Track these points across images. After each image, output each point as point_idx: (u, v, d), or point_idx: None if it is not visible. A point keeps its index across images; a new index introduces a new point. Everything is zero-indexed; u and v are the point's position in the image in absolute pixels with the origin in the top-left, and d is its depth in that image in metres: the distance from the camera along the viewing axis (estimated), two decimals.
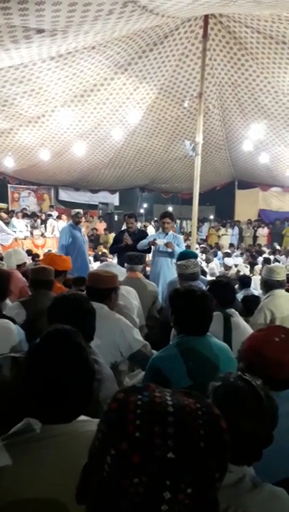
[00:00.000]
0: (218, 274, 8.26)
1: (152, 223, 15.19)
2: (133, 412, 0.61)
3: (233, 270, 8.89)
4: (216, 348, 1.99)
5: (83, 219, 8.93)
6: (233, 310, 2.69)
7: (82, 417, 1.11)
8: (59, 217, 13.60)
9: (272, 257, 10.11)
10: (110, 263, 3.98)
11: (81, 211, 7.01)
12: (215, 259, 10.44)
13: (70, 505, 0.91)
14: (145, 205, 21.69)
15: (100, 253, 11.04)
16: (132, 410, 0.61)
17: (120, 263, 5.15)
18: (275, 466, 1.39)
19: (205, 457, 0.59)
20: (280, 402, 1.35)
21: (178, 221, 17.31)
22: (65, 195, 16.41)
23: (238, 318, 2.64)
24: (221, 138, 11.20)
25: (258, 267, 8.94)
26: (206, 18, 6.46)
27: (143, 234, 6.21)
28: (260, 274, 5.18)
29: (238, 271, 8.68)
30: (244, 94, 8.91)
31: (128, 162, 12.47)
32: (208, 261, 9.97)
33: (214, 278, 6.30)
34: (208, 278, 6.78)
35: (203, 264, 9.41)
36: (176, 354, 1.92)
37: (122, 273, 3.83)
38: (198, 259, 9.43)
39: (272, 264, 4.65)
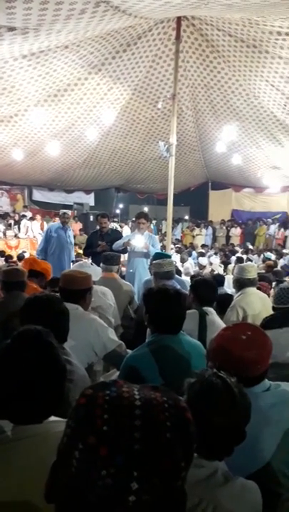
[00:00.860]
0: (192, 274, 8.34)
1: (128, 223, 15.21)
2: (101, 407, 0.62)
3: (208, 269, 9.01)
4: (188, 346, 2.01)
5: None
6: (210, 308, 2.73)
7: (54, 418, 1.11)
8: (33, 218, 13.42)
9: (244, 257, 10.30)
10: (84, 263, 3.96)
11: (68, 212, 6.97)
12: (190, 258, 10.55)
13: (42, 506, 0.91)
14: (121, 206, 21.66)
15: (75, 254, 10.95)
16: (99, 405, 0.62)
17: (95, 264, 5.14)
18: (245, 459, 1.42)
19: (171, 447, 0.61)
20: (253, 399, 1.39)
21: (154, 221, 17.39)
22: (39, 195, 16.20)
23: (213, 316, 2.68)
24: (195, 139, 11.33)
25: (231, 266, 9.09)
26: (179, 20, 6.52)
27: (117, 234, 6.22)
28: (233, 273, 5.28)
29: (213, 270, 8.80)
30: (216, 96, 9.04)
31: (103, 162, 12.43)
32: (183, 261, 10.07)
33: (189, 277, 6.38)
34: (183, 277, 6.85)
35: (178, 264, 9.49)
36: (148, 353, 1.94)
37: (96, 273, 3.82)
38: (173, 258, 9.51)
39: (243, 263, 4.74)
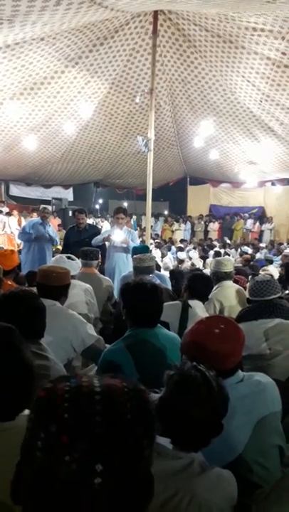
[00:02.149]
0: (171, 268, 8.40)
1: (108, 219, 15.15)
2: (61, 397, 0.64)
3: (186, 264, 9.08)
4: (164, 339, 2.04)
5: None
6: (198, 302, 2.76)
7: (27, 412, 1.12)
8: (10, 213, 13.19)
9: (222, 251, 10.43)
10: (60, 257, 3.92)
11: (49, 207, 6.91)
12: (169, 253, 10.62)
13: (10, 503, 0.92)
14: (100, 201, 21.55)
15: (53, 250, 10.84)
16: (60, 395, 0.64)
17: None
18: (220, 450, 1.45)
19: (132, 427, 0.63)
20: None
21: (134, 217, 17.39)
22: (16, 190, 15.94)
23: (197, 310, 2.70)
24: (173, 134, 11.35)
25: (209, 261, 9.19)
26: (156, 14, 6.50)
27: (95, 229, 6.20)
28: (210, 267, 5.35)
29: (193, 264, 8.88)
30: (194, 92, 9.08)
31: (81, 157, 12.32)
32: (162, 255, 10.13)
33: (168, 272, 6.42)
34: (162, 272, 6.89)
35: (158, 259, 9.54)
36: (123, 348, 1.96)
37: (74, 267, 3.81)
38: (153, 253, 9.55)
39: (220, 258, 4.81)
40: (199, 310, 2.75)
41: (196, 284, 2.80)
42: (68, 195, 17.03)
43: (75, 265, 3.80)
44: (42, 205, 6.95)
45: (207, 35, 7.19)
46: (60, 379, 0.69)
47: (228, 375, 1.53)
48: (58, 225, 14.67)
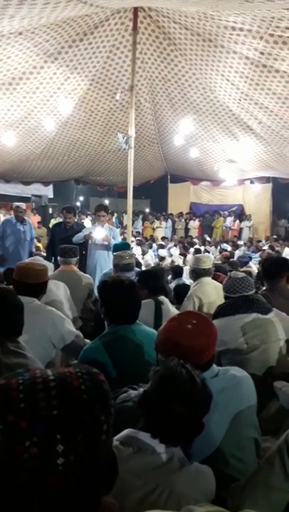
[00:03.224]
0: (152, 265, 8.44)
1: (89, 216, 15.08)
2: (16, 390, 0.66)
3: (167, 261, 9.14)
4: (142, 335, 2.05)
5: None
6: (164, 297, 2.79)
7: None
8: None
9: (202, 248, 10.52)
10: (36, 259, 3.92)
11: (22, 205, 6.74)
12: (150, 251, 10.67)
13: None
14: (81, 198, 21.42)
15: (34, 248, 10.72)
16: (14, 388, 0.66)
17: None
18: (199, 444, 1.46)
19: (89, 404, 0.67)
20: None
21: (115, 214, 17.34)
22: None
23: (168, 305, 2.75)
24: (153, 132, 11.36)
25: (189, 258, 9.27)
26: (136, 10, 6.48)
27: (82, 228, 6.16)
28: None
29: (173, 261, 8.94)
30: (174, 90, 9.09)
31: (61, 154, 12.18)
32: (143, 253, 10.16)
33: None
34: (143, 269, 6.90)
35: (139, 257, 9.56)
36: (100, 346, 1.97)
37: (48, 268, 3.80)
38: (134, 251, 9.57)
39: (199, 255, 4.87)
40: (170, 305, 2.78)
41: (149, 281, 2.82)
42: (48, 192, 16.87)
43: (49, 266, 3.80)
44: (15, 204, 6.74)
45: (187, 34, 7.21)
46: (13, 374, 0.70)
47: (202, 370, 1.54)
48: (38, 222, 14.54)
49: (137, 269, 4.30)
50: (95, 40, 7.78)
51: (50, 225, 13.66)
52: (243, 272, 4.62)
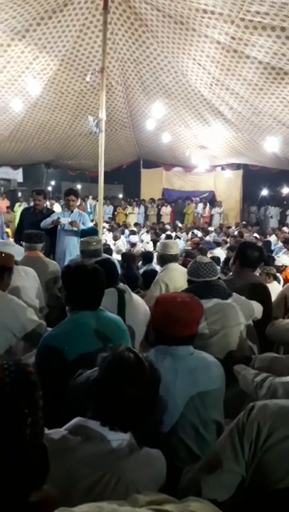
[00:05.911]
0: (124, 252, 8.42)
1: (60, 201, 14.83)
2: None
3: (139, 247, 9.14)
4: (106, 321, 2.04)
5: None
6: (125, 285, 2.78)
7: None
8: None
9: (173, 234, 10.57)
10: (7, 242, 3.81)
11: None
12: (122, 237, 10.62)
13: None
14: (52, 183, 21.00)
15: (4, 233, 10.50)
16: None
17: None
18: (163, 418, 1.59)
19: (12, 398, 0.67)
20: (176, 358, 1.67)
21: (88, 200, 17.11)
22: None
23: (130, 293, 2.74)
24: (125, 115, 11.19)
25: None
26: None
27: (52, 213, 6.03)
28: None
29: (144, 248, 8.95)
30: (146, 72, 8.95)
31: (30, 136, 11.84)
32: (115, 239, 10.11)
33: (120, 255, 6.43)
34: (114, 255, 6.89)
35: (111, 242, 9.52)
36: (63, 332, 1.95)
37: (19, 252, 3.71)
38: (106, 237, 9.50)
39: (166, 240, 4.88)
40: (132, 294, 2.78)
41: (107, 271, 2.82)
42: (18, 176, 16.47)
43: (19, 250, 3.71)
44: None
45: (158, 15, 7.07)
46: None
47: (187, 343, 1.74)
48: (7, 207, 14.18)
49: (105, 255, 4.27)
50: (64, 18, 7.52)
51: (16, 210, 13.39)
52: (211, 257, 4.68)
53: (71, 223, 5.32)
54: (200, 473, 1.27)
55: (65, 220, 5.32)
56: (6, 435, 0.62)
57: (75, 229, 5.38)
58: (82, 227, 5.38)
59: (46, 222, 5.35)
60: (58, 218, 5.37)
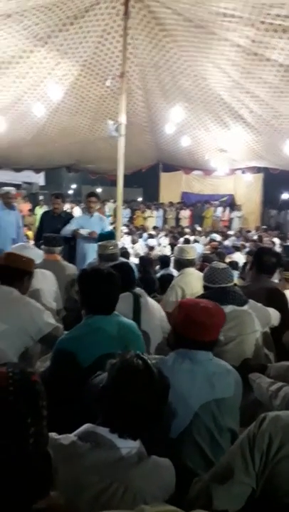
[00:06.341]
0: (142, 255, 8.43)
1: (80, 205, 14.98)
2: None
3: (157, 251, 9.14)
4: (121, 326, 2.05)
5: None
6: (142, 290, 2.78)
7: None
8: None
9: (192, 238, 10.52)
10: (27, 245, 3.87)
11: (12, 189, 6.45)
12: (140, 240, 10.65)
13: None
14: (73, 186, 21.24)
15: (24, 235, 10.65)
16: None
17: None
18: (173, 423, 1.60)
19: (14, 408, 0.67)
20: (195, 362, 1.67)
21: (107, 203, 17.20)
22: None
23: (146, 298, 2.74)
24: (145, 119, 11.23)
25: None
26: None
27: (70, 217, 6.09)
28: None
29: (161, 251, 8.95)
30: (165, 77, 8.97)
31: (52, 140, 12.01)
32: (133, 242, 10.14)
33: (138, 259, 6.45)
34: (132, 259, 6.91)
35: (129, 246, 9.55)
36: (78, 336, 1.96)
37: (38, 256, 3.76)
38: (124, 240, 9.54)
39: (183, 245, 4.87)
40: (148, 298, 2.77)
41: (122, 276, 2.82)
42: (39, 179, 16.71)
43: (39, 253, 3.76)
44: (3, 188, 6.43)
45: (178, 19, 7.09)
46: None
47: (207, 349, 1.75)
48: (29, 210, 14.41)
49: (122, 258, 4.29)
50: (85, 24, 7.61)
51: (36, 213, 13.58)
52: (229, 262, 4.65)
53: (90, 234, 5.38)
54: (210, 483, 1.25)
55: (84, 232, 5.40)
56: (9, 444, 0.63)
57: (94, 237, 5.43)
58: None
59: (66, 231, 5.41)
60: (78, 230, 5.42)
